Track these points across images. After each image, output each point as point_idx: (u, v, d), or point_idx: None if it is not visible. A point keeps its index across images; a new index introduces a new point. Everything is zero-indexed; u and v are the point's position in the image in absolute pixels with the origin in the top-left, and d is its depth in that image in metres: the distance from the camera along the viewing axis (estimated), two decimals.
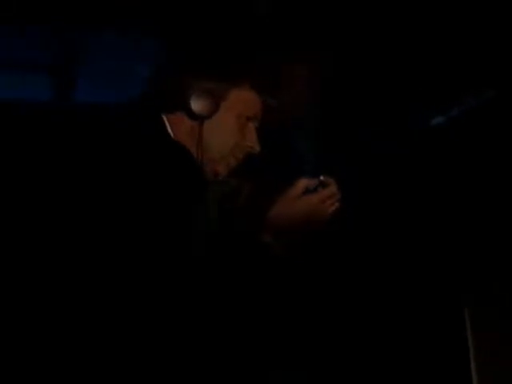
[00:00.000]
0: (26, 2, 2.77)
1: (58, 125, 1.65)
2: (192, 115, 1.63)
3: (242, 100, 1.67)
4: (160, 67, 1.67)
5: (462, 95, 2.68)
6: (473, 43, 2.62)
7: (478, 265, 2.37)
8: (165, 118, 1.65)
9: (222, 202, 1.75)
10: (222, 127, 1.66)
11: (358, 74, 2.70)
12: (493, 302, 2.10)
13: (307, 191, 1.63)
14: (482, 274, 2.30)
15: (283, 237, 1.62)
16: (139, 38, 2.85)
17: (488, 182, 2.60)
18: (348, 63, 2.68)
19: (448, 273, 2.44)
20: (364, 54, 2.70)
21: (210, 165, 1.67)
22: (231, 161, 1.70)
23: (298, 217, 1.60)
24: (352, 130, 2.71)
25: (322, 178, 1.65)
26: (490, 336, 1.96)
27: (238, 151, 1.70)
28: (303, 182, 1.63)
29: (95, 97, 2.88)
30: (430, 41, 2.65)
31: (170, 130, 1.64)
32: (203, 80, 1.62)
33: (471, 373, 1.91)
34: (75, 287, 1.48)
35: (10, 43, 2.97)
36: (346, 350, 2.40)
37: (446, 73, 2.72)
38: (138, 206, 1.47)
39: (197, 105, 1.61)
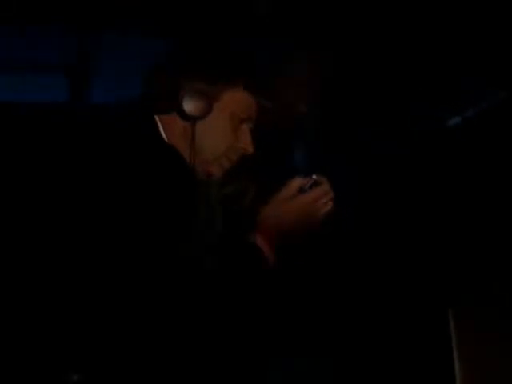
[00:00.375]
0: (34, 2, 2.77)
1: (51, 126, 1.64)
2: (184, 116, 1.61)
3: (236, 101, 1.64)
4: (153, 68, 1.66)
5: (462, 96, 2.68)
6: (474, 41, 2.62)
7: (464, 265, 2.38)
8: (157, 119, 1.63)
9: (227, 203, 1.74)
10: (214, 128, 1.63)
11: (358, 73, 2.70)
12: (477, 302, 2.10)
13: (302, 191, 1.61)
14: (467, 275, 2.31)
15: (275, 238, 1.60)
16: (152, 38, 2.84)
17: (486, 182, 2.61)
18: (348, 63, 2.68)
19: (434, 273, 2.45)
20: (364, 54, 2.70)
21: (202, 166, 1.64)
22: (225, 162, 1.67)
23: (290, 217, 1.58)
24: (352, 129, 2.71)
25: (314, 176, 1.62)
26: (474, 336, 1.96)
27: (231, 153, 1.67)
28: (296, 182, 1.61)
29: (110, 98, 2.87)
30: (431, 40, 2.65)
31: (162, 131, 1.62)
32: (196, 80, 1.60)
33: (455, 373, 1.91)
34: (63, 287, 1.47)
35: (19, 43, 2.98)
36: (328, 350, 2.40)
37: (447, 72, 2.73)
38: (128, 209, 1.45)
39: (189, 105, 1.59)
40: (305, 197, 1.60)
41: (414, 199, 2.66)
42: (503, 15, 2.54)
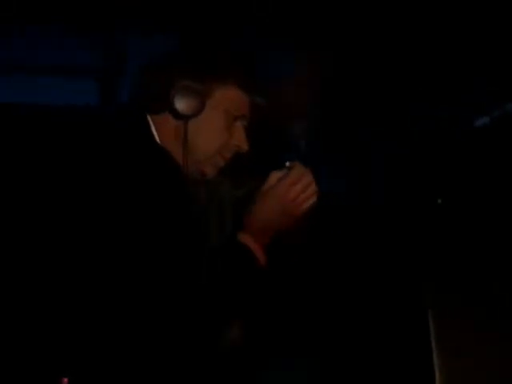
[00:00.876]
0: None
1: (45, 127, 1.63)
2: (177, 115, 1.58)
3: (228, 98, 1.62)
4: (144, 68, 1.65)
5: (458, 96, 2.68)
6: (473, 41, 2.61)
7: (444, 265, 2.37)
8: (150, 119, 1.61)
9: (238, 206, 1.72)
10: (207, 126, 1.61)
11: (358, 73, 2.70)
12: (457, 303, 2.10)
13: None
14: (446, 275, 2.30)
15: (266, 236, 1.59)
16: None
17: (485, 182, 2.60)
18: (348, 63, 2.68)
19: (414, 273, 2.44)
20: (364, 54, 2.70)
21: (196, 165, 1.63)
22: (218, 160, 1.65)
23: (274, 209, 1.56)
24: (352, 129, 2.70)
25: (287, 163, 1.59)
26: (454, 337, 1.96)
27: (225, 151, 1.65)
28: (274, 175, 1.59)
29: None
30: (431, 39, 2.65)
31: (154, 131, 1.61)
32: (187, 79, 1.59)
33: (434, 373, 1.91)
34: (58, 289, 1.47)
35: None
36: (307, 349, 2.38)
37: (447, 72, 2.72)
38: (118, 211, 1.45)
39: (181, 104, 1.57)
40: (281, 184, 1.58)
41: (413, 198, 2.65)
42: (504, 15, 2.54)
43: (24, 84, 3.08)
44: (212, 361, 1.67)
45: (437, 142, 2.69)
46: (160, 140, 1.60)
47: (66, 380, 1.45)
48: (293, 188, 1.57)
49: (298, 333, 2.31)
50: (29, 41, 3.04)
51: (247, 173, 1.75)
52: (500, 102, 2.68)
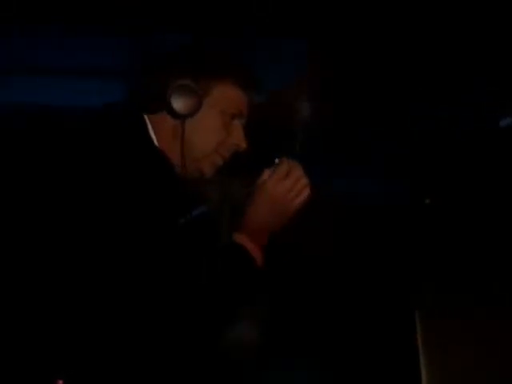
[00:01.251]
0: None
1: (42, 127, 1.63)
2: (174, 114, 1.57)
3: (227, 97, 1.61)
4: (141, 67, 1.65)
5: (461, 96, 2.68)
6: (474, 41, 2.62)
7: (430, 268, 2.37)
8: (147, 119, 1.62)
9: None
10: (205, 125, 1.60)
11: (359, 74, 2.70)
12: (444, 303, 2.10)
13: None
14: (434, 277, 2.30)
15: (263, 235, 1.59)
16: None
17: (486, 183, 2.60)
18: (348, 63, 2.68)
19: (400, 275, 2.43)
20: (365, 55, 2.70)
21: (194, 164, 1.63)
22: (217, 159, 1.63)
23: (265, 208, 1.57)
24: (352, 129, 2.71)
25: (276, 160, 1.57)
26: (440, 337, 1.96)
27: (223, 149, 1.63)
28: (266, 173, 1.58)
29: None
30: (431, 40, 2.65)
31: (152, 130, 1.61)
32: (185, 78, 1.59)
33: (420, 374, 1.91)
34: (56, 290, 1.46)
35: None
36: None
37: (447, 72, 2.73)
38: (112, 212, 1.44)
39: (178, 103, 1.56)
40: (270, 181, 1.57)
41: (412, 198, 2.66)
42: (504, 15, 2.54)
43: (24, 84, 3.09)
44: (210, 360, 1.67)
45: (437, 142, 2.69)
46: (158, 139, 1.60)
47: (61, 382, 1.45)
48: (282, 183, 1.56)
49: (298, 333, 2.31)
50: (29, 41, 3.04)
51: (255, 172, 1.75)
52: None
